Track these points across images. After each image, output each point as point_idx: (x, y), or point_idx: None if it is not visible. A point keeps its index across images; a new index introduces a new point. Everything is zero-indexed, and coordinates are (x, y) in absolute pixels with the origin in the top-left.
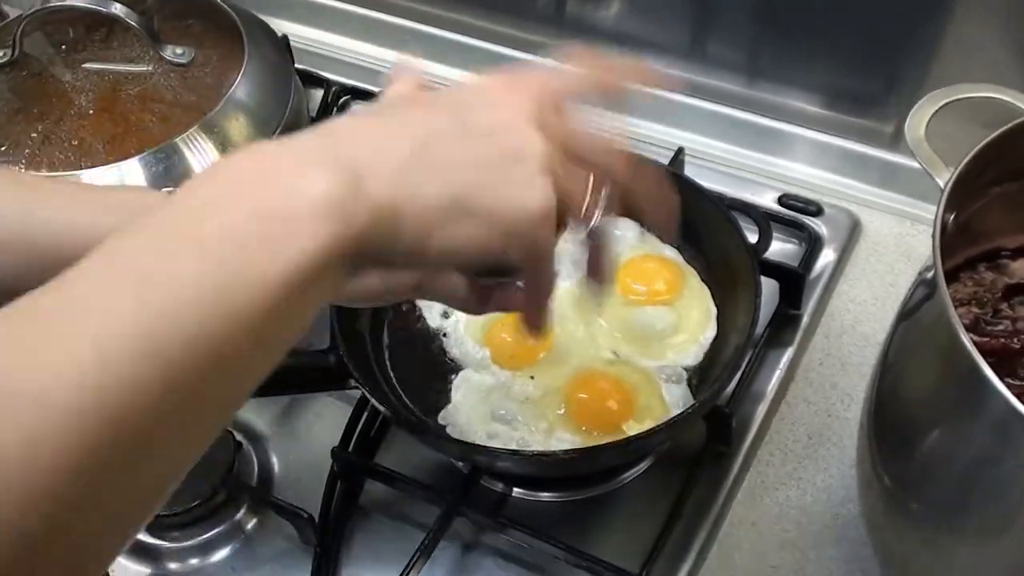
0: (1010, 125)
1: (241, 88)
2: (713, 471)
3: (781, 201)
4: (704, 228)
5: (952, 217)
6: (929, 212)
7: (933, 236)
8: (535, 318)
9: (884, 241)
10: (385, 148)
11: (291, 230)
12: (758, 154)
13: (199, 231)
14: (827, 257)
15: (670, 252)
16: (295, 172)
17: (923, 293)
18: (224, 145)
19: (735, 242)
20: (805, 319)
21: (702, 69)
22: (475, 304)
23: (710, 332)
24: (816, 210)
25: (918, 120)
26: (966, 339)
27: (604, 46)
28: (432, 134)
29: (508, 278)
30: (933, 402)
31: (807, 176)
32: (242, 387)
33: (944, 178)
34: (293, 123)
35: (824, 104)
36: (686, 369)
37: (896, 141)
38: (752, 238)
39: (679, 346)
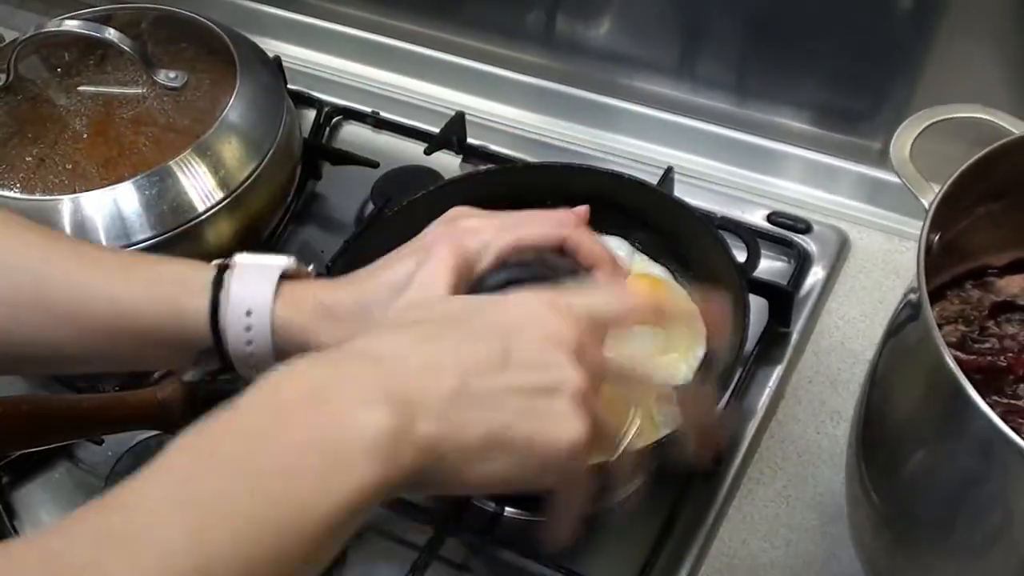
0: (993, 146)
1: (234, 111)
2: (704, 489)
3: (770, 219)
4: (692, 247)
5: (937, 237)
6: (917, 229)
7: (918, 258)
8: (561, 534)
9: (872, 258)
10: (432, 382)
11: (344, 468)
12: (747, 172)
13: (253, 464)
14: (816, 274)
15: (659, 271)
16: (349, 407)
17: (908, 313)
18: (217, 168)
19: (723, 261)
20: (795, 337)
21: (691, 88)
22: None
23: (699, 351)
24: (805, 227)
25: (903, 141)
26: (950, 360)
27: (594, 65)
28: (476, 366)
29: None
30: (919, 421)
31: (796, 193)
32: None
33: (929, 198)
34: (285, 144)
35: (812, 121)
36: (676, 388)
37: (884, 158)
38: (740, 257)
39: (669, 365)
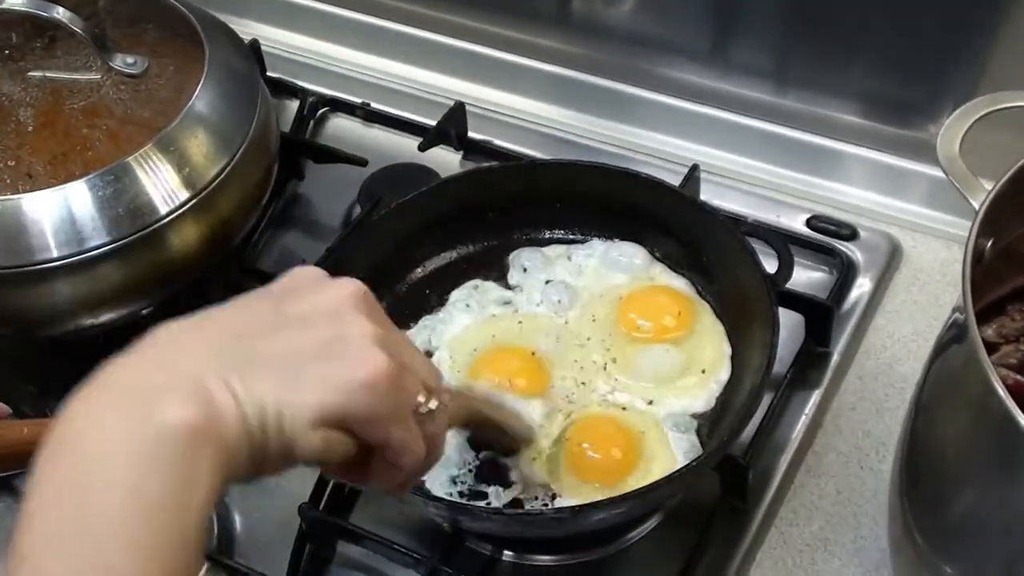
0: None
1: (201, 101)
2: (728, 530)
3: (810, 224)
4: (717, 255)
5: (990, 243)
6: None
7: (963, 267)
8: (399, 486)
9: (928, 268)
10: (216, 354)
11: (177, 473)
12: (785, 170)
13: (103, 525)
14: (862, 287)
15: (680, 283)
16: (145, 413)
17: (954, 333)
18: (182, 165)
19: (750, 272)
20: (835, 357)
21: (723, 75)
22: (353, 476)
23: (723, 374)
24: (850, 233)
25: (952, 134)
26: (1000, 388)
27: (613, 49)
28: (256, 329)
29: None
30: (968, 457)
31: (840, 195)
32: None
33: (980, 198)
34: (260, 139)
35: (860, 113)
36: (695, 416)
37: None
38: (771, 267)
39: (688, 390)
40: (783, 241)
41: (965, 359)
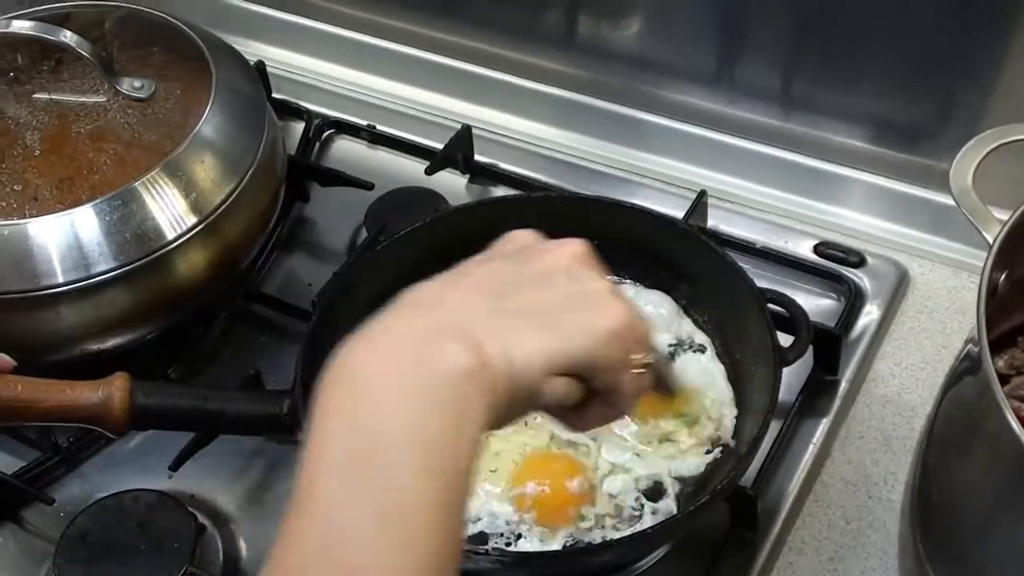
0: None
1: (208, 125)
2: (737, 560)
3: (817, 250)
4: (731, 309)
5: (1003, 276)
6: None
7: (978, 302)
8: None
9: (936, 295)
10: (472, 308)
11: (462, 406)
12: (792, 195)
13: (396, 447)
14: (870, 314)
15: (708, 359)
16: (429, 356)
17: (967, 365)
18: (189, 189)
19: (762, 336)
20: (843, 385)
21: (729, 99)
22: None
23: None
24: (858, 260)
25: (965, 165)
26: (1016, 424)
27: (619, 73)
28: (508, 285)
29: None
30: (981, 491)
31: (848, 221)
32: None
33: (994, 232)
34: (267, 162)
35: (868, 139)
36: (679, 479)
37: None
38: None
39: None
40: (803, 317)
41: (979, 393)
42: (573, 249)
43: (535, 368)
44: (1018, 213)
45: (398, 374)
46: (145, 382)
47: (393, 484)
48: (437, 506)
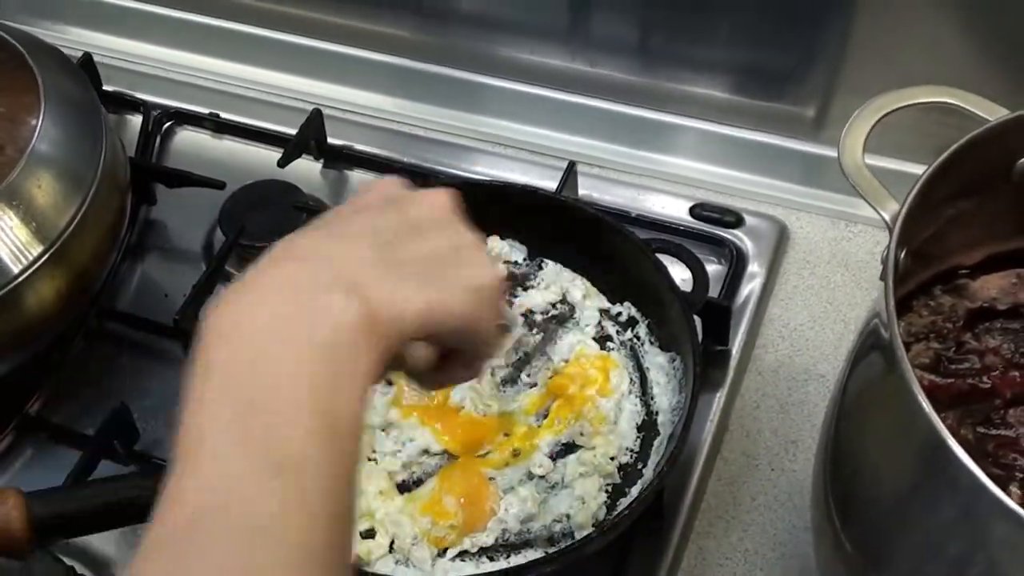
0: (961, 142)
1: (42, 142)
2: (647, 551)
3: (694, 212)
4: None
5: (904, 252)
6: (865, 209)
7: (886, 291)
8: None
9: (816, 249)
10: (358, 258)
11: (349, 354)
12: (661, 156)
13: (279, 392)
14: (753, 276)
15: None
16: (314, 302)
17: (873, 340)
18: (29, 216)
19: (664, 289)
20: (735, 355)
21: (586, 56)
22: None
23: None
24: (735, 220)
25: (854, 140)
26: (937, 421)
27: (467, 35)
28: (393, 235)
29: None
30: (894, 469)
31: (720, 179)
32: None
33: (891, 209)
34: (110, 173)
35: (730, 88)
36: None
37: (819, 127)
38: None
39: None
40: (696, 262)
41: (896, 388)
42: (442, 199)
43: (421, 320)
44: (914, 192)
45: (284, 326)
46: (38, 493)
47: (282, 438)
48: (328, 460)
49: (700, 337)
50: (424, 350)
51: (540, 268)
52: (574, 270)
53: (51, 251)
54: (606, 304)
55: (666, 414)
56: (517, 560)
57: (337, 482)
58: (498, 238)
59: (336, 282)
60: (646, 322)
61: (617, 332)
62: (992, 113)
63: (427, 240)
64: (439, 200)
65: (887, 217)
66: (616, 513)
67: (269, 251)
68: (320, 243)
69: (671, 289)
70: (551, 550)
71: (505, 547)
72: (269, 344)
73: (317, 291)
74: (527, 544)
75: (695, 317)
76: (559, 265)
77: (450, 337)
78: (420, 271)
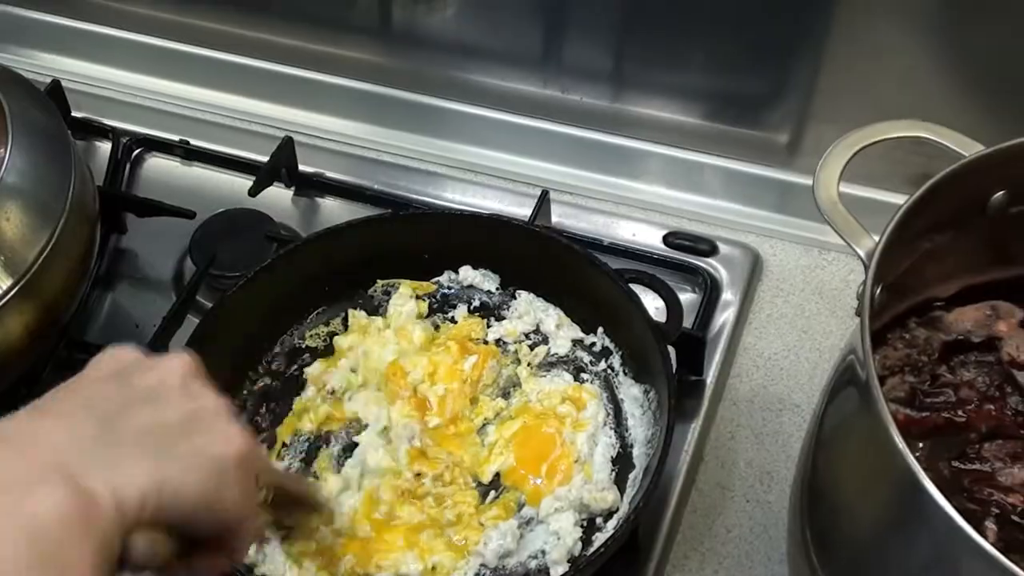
0: (937, 178)
1: (10, 174)
2: None
3: (667, 241)
4: (602, 303)
5: (880, 288)
6: (838, 237)
7: (862, 328)
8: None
9: (790, 277)
10: (71, 436)
11: (66, 562)
12: (634, 183)
13: None
14: (727, 305)
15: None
16: (12, 507)
17: (849, 376)
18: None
19: (638, 321)
20: (709, 385)
21: (559, 83)
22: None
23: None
24: (709, 249)
25: (829, 175)
26: (913, 462)
27: (439, 61)
28: (114, 407)
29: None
30: (870, 504)
31: (693, 206)
32: None
33: (866, 245)
34: (79, 204)
35: (704, 115)
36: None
37: (793, 155)
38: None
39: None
40: (671, 293)
41: (871, 425)
42: (181, 364)
43: (146, 501)
44: (890, 229)
45: None
46: None
47: None
48: None
49: (674, 367)
50: (147, 540)
51: (513, 298)
52: (547, 300)
53: (20, 285)
54: (579, 334)
55: (641, 446)
56: None
57: None
58: (470, 267)
59: (43, 471)
60: (619, 352)
61: (591, 362)
62: (967, 148)
63: (162, 407)
64: (173, 366)
65: (862, 254)
66: (592, 551)
67: None
68: (29, 424)
69: (645, 320)
70: None
71: None
72: None
73: (21, 486)
74: None
75: (670, 348)
76: (532, 295)
77: (189, 522)
78: (145, 445)
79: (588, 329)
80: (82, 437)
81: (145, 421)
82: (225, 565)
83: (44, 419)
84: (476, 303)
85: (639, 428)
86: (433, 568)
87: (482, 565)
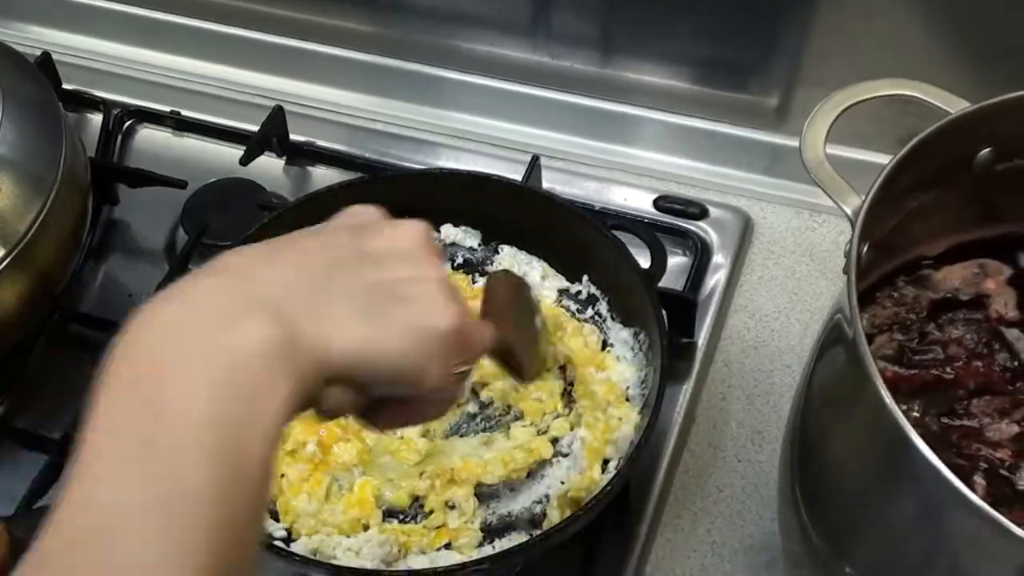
0: (923, 135)
1: (2, 144)
2: (615, 543)
3: (658, 204)
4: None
5: (867, 246)
6: (828, 198)
7: (848, 286)
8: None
9: (781, 239)
10: (290, 282)
11: (256, 391)
12: (624, 148)
13: (179, 427)
14: (718, 268)
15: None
16: (225, 328)
17: (837, 335)
18: None
19: (625, 269)
20: (701, 346)
21: (548, 48)
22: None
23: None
24: (700, 212)
25: (815, 134)
26: (901, 417)
27: (428, 29)
28: (333, 262)
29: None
30: (860, 461)
31: (684, 170)
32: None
33: (852, 203)
34: (71, 175)
35: (693, 79)
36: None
37: (782, 118)
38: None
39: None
40: (651, 232)
41: (858, 382)
42: (415, 231)
43: (348, 358)
44: (876, 187)
45: (191, 349)
46: (16, 517)
47: (173, 471)
48: (220, 498)
49: (666, 326)
50: (342, 394)
51: (496, 252)
52: (530, 253)
53: (12, 255)
54: (565, 284)
55: (635, 388)
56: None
57: (227, 521)
58: (451, 225)
59: (256, 303)
60: (606, 299)
61: (578, 310)
62: (953, 105)
63: (384, 271)
64: (407, 231)
65: (849, 212)
66: (589, 498)
67: (208, 264)
68: (253, 260)
69: (629, 263)
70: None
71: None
72: (173, 369)
73: (233, 312)
74: (510, 527)
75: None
76: (515, 248)
77: (383, 384)
78: (360, 303)
79: (573, 278)
80: (300, 282)
81: (366, 280)
82: (411, 423)
83: (268, 261)
84: (460, 260)
85: (631, 370)
86: None
87: None
